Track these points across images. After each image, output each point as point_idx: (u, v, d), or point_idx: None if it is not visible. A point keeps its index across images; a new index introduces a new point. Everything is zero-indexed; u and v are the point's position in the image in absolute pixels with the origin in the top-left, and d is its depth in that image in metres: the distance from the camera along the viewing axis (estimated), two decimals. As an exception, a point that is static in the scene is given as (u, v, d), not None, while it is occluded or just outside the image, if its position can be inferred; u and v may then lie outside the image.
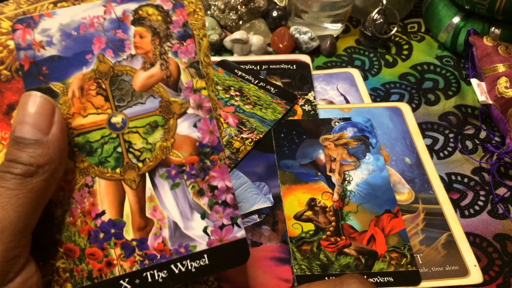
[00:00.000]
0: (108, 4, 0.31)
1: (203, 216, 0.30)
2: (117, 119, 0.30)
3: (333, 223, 0.40)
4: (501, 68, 0.50)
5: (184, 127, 0.30)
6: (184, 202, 0.30)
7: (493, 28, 0.55)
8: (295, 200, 0.42)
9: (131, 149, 0.30)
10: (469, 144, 0.49)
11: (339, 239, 0.39)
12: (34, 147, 0.26)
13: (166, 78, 0.30)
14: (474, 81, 0.50)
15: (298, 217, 0.41)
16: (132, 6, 0.31)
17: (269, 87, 0.51)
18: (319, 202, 0.42)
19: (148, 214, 0.29)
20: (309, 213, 0.41)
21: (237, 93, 0.50)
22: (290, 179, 0.43)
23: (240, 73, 0.52)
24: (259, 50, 0.56)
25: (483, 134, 0.50)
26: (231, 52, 0.57)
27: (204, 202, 0.30)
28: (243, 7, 0.57)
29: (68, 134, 0.29)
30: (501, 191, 0.45)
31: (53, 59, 0.30)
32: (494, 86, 0.49)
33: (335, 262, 0.38)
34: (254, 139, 0.46)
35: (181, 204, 0.30)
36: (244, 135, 0.46)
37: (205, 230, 0.30)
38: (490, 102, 0.49)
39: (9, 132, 0.28)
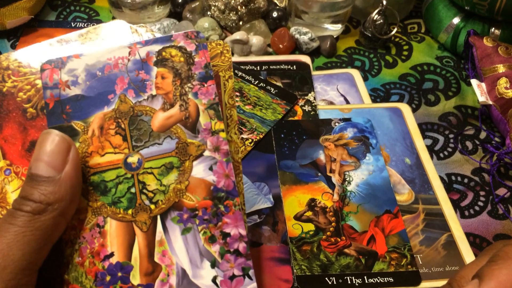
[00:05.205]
0: (133, 45, 0.31)
1: (213, 264, 0.28)
2: (133, 159, 0.30)
3: (333, 224, 0.40)
4: (501, 68, 0.50)
5: (199, 170, 0.30)
6: (194, 248, 0.29)
7: (493, 28, 0.55)
8: (295, 201, 0.42)
9: (144, 190, 0.29)
10: (469, 144, 0.49)
11: (339, 240, 0.40)
12: (46, 184, 0.26)
13: (185, 119, 0.30)
14: (474, 82, 0.50)
15: (298, 217, 0.41)
16: (156, 47, 0.31)
17: (269, 87, 0.51)
18: (319, 202, 0.42)
19: (156, 259, 0.29)
20: (309, 213, 0.41)
21: (237, 94, 0.50)
22: (290, 179, 0.43)
23: (240, 73, 0.52)
24: (259, 51, 0.56)
25: (483, 135, 0.50)
26: (231, 53, 0.57)
27: (215, 249, 0.29)
28: (243, 7, 0.57)
29: (85, 172, 0.29)
30: (501, 191, 0.45)
31: (76, 98, 0.30)
32: (494, 87, 0.49)
33: (335, 262, 0.38)
34: (254, 140, 0.46)
35: (191, 251, 0.29)
36: (244, 136, 0.46)
37: (214, 280, 0.28)
38: (490, 102, 0.49)
39: None
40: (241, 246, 0.29)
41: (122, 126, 0.30)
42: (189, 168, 0.30)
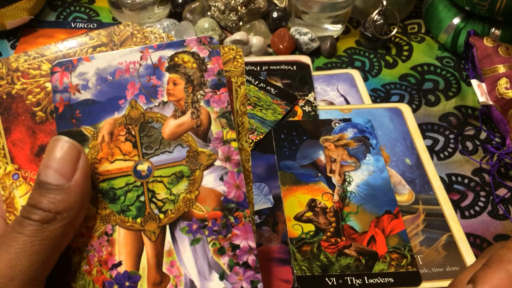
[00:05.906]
0: (145, 50, 0.31)
1: (222, 277, 0.28)
2: (143, 167, 0.29)
3: (333, 224, 0.40)
4: (501, 69, 0.50)
5: (210, 180, 0.29)
6: (203, 259, 0.28)
7: (493, 29, 0.55)
8: (295, 201, 0.42)
9: (154, 199, 0.29)
10: (469, 145, 0.49)
11: (339, 240, 0.39)
12: (55, 192, 0.26)
13: (196, 127, 0.30)
14: (474, 82, 0.50)
15: (299, 218, 0.41)
16: (169, 52, 0.31)
17: (269, 88, 0.51)
18: (320, 203, 0.42)
19: (164, 269, 0.28)
20: (309, 214, 0.41)
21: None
22: (290, 180, 0.43)
23: (240, 74, 0.52)
24: (259, 51, 0.56)
25: (483, 135, 0.50)
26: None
27: (224, 261, 0.28)
28: (243, 8, 0.57)
29: (94, 179, 0.29)
30: (502, 192, 0.45)
31: (87, 103, 0.30)
32: (494, 87, 0.49)
33: (335, 263, 0.38)
34: (254, 140, 0.46)
35: (200, 262, 0.28)
36: (244, 136, 0.46)
37: None
38: (491, 103, 0.49)
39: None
40: (250, 259, 0.28)
41: (133, 132, 0.30)
42: (199, 178, 0.29)
